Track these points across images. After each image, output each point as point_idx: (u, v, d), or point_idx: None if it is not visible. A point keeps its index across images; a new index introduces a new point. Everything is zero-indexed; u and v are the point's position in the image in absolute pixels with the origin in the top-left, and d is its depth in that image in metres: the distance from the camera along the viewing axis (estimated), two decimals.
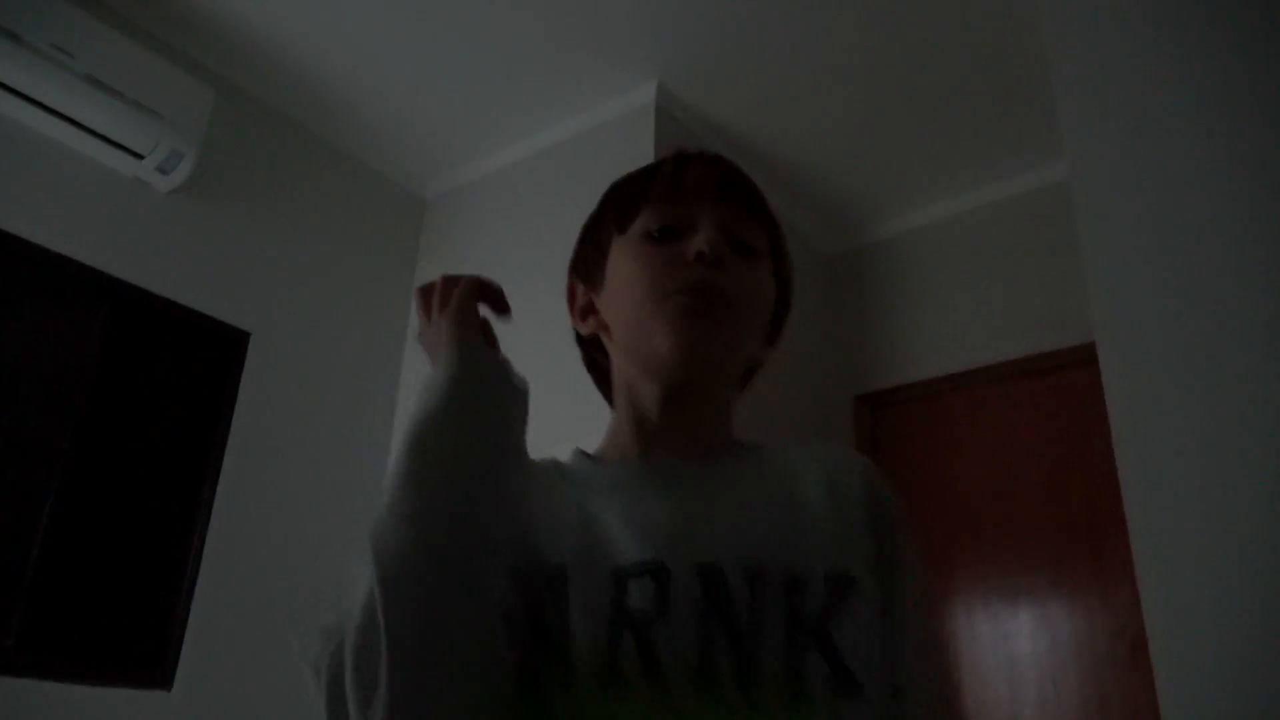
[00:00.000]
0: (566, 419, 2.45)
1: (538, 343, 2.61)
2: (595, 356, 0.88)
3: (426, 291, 0.75)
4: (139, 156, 2.39)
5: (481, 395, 0.70)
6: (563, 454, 0.84)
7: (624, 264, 0.80)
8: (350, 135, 2.97)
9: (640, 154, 2.64)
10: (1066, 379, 2.69)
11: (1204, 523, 1.52)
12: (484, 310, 0.74)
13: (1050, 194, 2.82)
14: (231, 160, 2.68)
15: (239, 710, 2.36)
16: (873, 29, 2.49)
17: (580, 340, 0.88)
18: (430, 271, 3.08)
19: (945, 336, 3.00)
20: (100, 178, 2.40)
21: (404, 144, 3.02)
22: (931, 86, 2.68)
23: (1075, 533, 2.55)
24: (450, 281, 0.74)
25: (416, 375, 2.95)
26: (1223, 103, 1.72)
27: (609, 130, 2.78)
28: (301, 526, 2.61)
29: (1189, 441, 1.57)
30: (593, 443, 0.87)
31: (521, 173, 2.98)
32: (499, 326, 0.77)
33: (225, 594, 2.40)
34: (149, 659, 2.27)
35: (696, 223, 0.78)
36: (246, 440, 2.53)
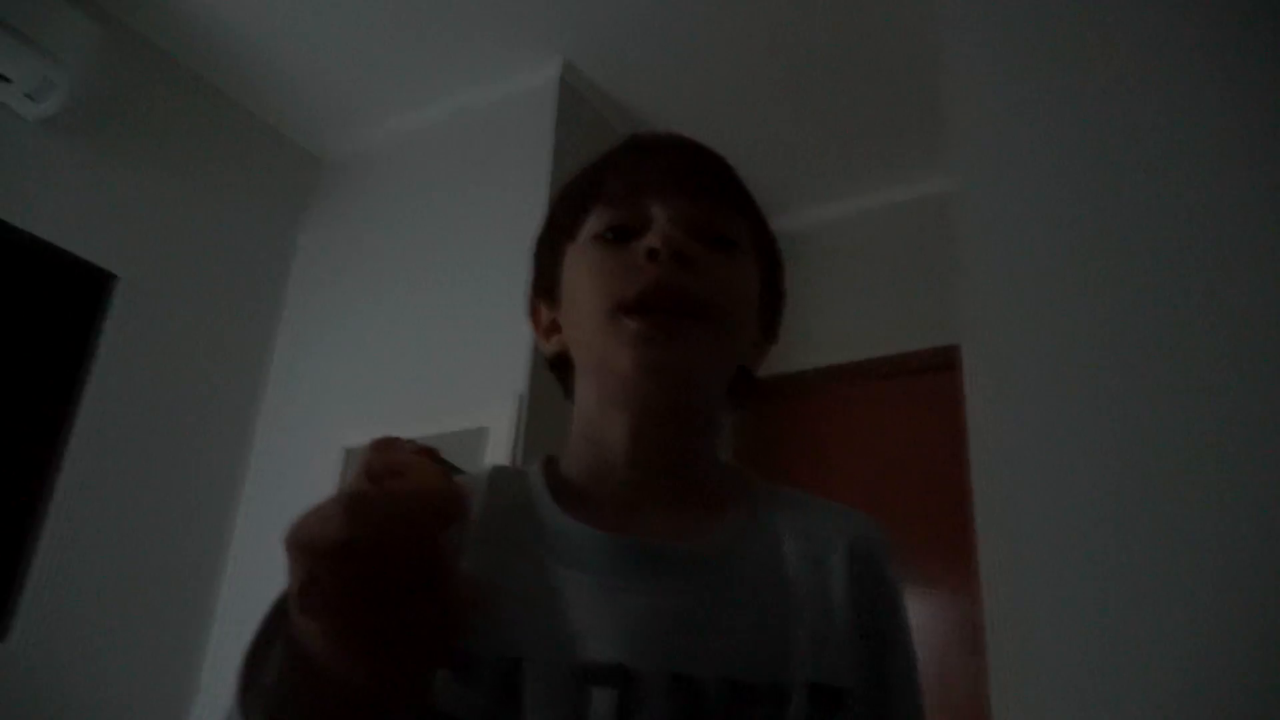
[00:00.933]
0: (461, 386, 2.44)
1: (428, 313, 2.59)
2: (568, 380, 0.74)
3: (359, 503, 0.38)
4: (6, 80, 2.25)
5: None
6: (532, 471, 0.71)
7: (575, 273, 0.69)
8: (246, 87, 2.86)
9: (542, 130, 2.63)
10: (932, 380, 2.82)
11: (1044, 526, 1.62)
12: None
13: (931, 204, 2.94)
14: (113, 97, 2.55)
15: (79, 661, 2.27)
16: (777, 33, 2.55)
17: (551, 365, 0.75)
18: (320, 232, 3.01)
19: (821, 331, 3.10)
20: None
21: (302, 101, 2.92)
22: (830, 93, 2.75)
23: (929, 527, 2.68)
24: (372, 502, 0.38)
25: (293, 338, 2.88)
26: (1099, 131, 1.83)
27: (512, 104, 2.76)
28: (159, 481, 2.52)
29: (1038, 448, 1.68)
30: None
31: (421, 139, 2.93)
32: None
33: (73, 546, 2.29)
34: None
35: (651, 216, 0.67)
36: (107, 388, 2.42)
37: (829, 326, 3.10)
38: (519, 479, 0.69)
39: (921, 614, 2.63)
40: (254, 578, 2.58)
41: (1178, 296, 1.64)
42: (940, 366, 2.70)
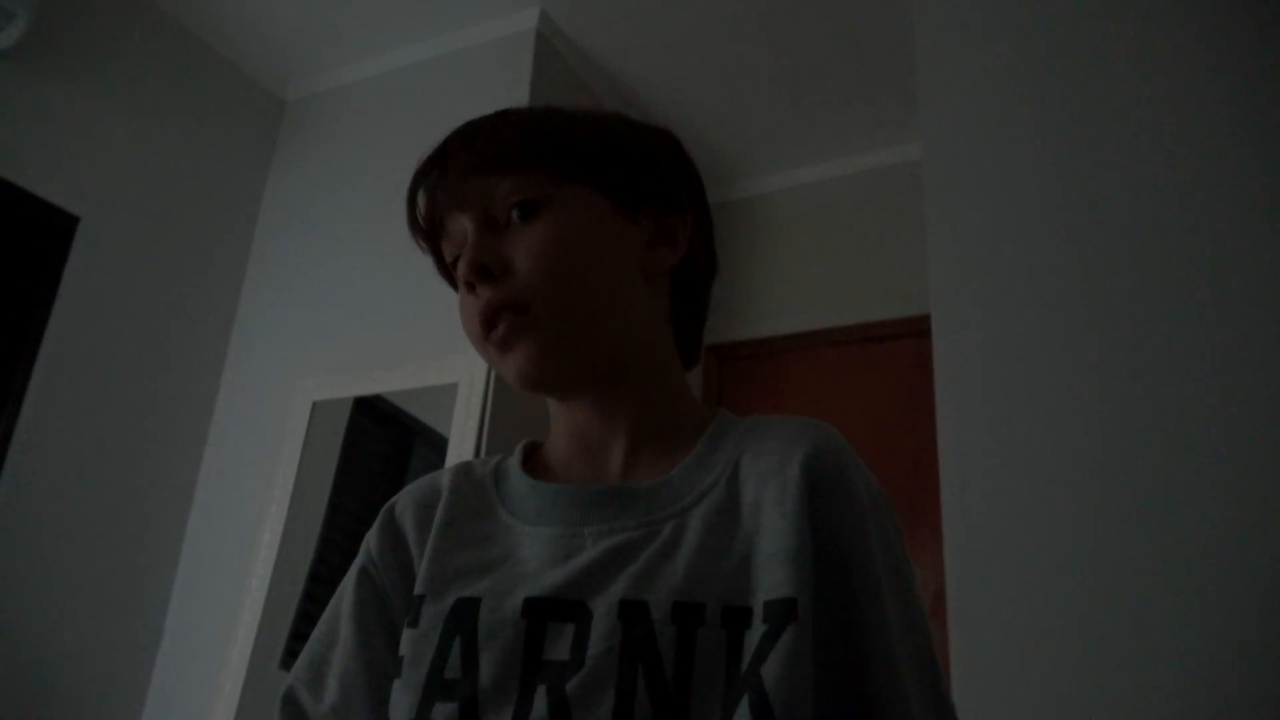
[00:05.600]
0: (431, 340, 2.41)
1: (397, 265, 2.55)
2: None
3: None
4: None
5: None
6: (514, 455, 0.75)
7: None
8: (210, 24, 2.77)
9: (518, 81, 2.58)
10: (900, 347, 2.84)
11: (1008, 495, 1.64)
12: None
13: (904, 171, 2.94)
14: (73, 29, 2.46)
15: (39, 611, 2.25)
16: None
17: None
18: (285, 176, 2.96)
19: (793, 297, 3.11)
20: None
21: (267, 41, 2.85)
22: (807, 56, 2.73)
23: (894, 493, 2.70)
24: None
25: (260, 286, 2.83)
26: (1069, 103, 1.83)
27: (487, 52, 2.71)
28: (120, 431, 2.47)
29: (1005, 416, 1.70)
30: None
31: (390, 85, 2.87)
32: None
33: (30, 497, 2.25)
34: None
35: (467, 235, 0.67)
36: (67, 335, 2.36)
37: (801, 292, 3.10)
38: (493, 463, 0.72)
39: None
40: (218, 530, 2.56)
41: (1144, 267, 1.66)
42: (913, 334, 2.72)
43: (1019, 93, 1.90)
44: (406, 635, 0.62)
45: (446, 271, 0.72)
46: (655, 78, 2.87)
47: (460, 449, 2.21)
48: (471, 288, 0.64)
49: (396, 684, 0.60)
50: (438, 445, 2.29)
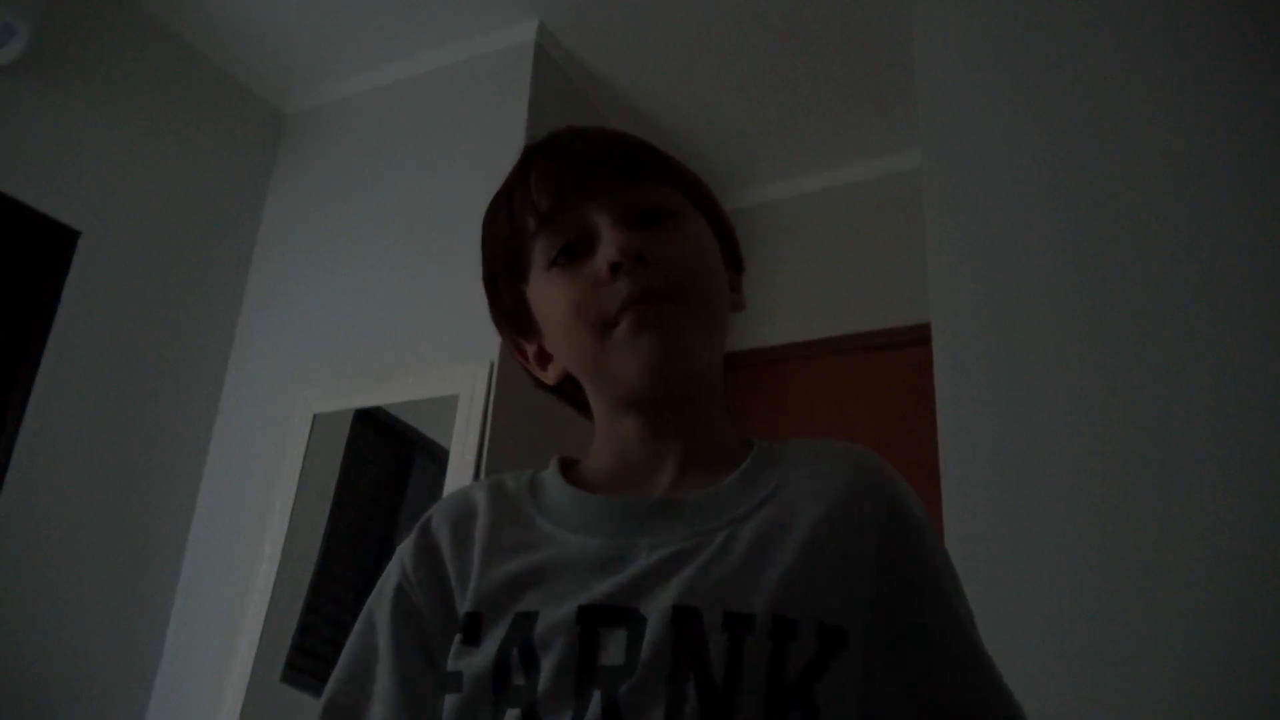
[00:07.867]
0: (431, 351, 2.41)
1: (396, 276, 2.56)
2: (574, 396, 0.76)
3: None
4: None
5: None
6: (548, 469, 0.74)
7: (546, 305, 0.70)
8: (209, 37, 2.78)
9: (516, 93, 2.59)
10: (901, 356, 2.84)
11: (1009, 502, 1.65)
12: None
13: (904, 180, 2.94)
14: (74, 44, 2.47)
15: (40, 630, 2.24)
16: (753, 7, 2.53)
17: (554, 390, 0.77)
18: (285, 189, 2.96)
19: (793, 306, 3.11)
20: None
21: (266, 54, 2.86)
22: (805, 66, 2.74)
23: None
24: None
25: (260, 297, 2.83)
26: (1067, 112, 1.84)
27: (485, 64, 2.72)
28: (122, 445, 2.47)
29: (1005, 423, 1.70)
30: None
31: (389, 98, 2.88)
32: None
33: (31, 511, 2.25)
34: None
35: (593, 225, 0.68)
36: (68, 348, 2.36)
37: (802, 301, 3.10)
38: (526, 477, 0.73)
39: None
40: (219, 542, 2.55)
41: (1143, 274, 1.66)
42: (914, 343, 2.72)
43: (1017, 102, 1.90)
44: (463, 651, 0.62)
45: (514, 257, 0.72)
46: (655, 88, 2.88)
47: (461, 461, 2.21)
48: (614, 273, 0.65)
49: (452, 700, 0.61)
50: (439, 457, 2.28)
